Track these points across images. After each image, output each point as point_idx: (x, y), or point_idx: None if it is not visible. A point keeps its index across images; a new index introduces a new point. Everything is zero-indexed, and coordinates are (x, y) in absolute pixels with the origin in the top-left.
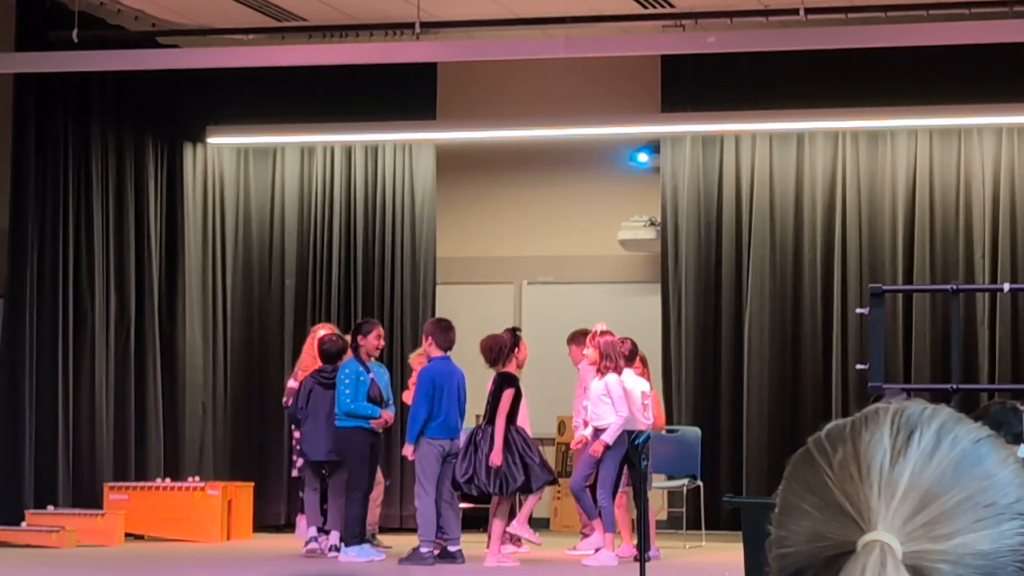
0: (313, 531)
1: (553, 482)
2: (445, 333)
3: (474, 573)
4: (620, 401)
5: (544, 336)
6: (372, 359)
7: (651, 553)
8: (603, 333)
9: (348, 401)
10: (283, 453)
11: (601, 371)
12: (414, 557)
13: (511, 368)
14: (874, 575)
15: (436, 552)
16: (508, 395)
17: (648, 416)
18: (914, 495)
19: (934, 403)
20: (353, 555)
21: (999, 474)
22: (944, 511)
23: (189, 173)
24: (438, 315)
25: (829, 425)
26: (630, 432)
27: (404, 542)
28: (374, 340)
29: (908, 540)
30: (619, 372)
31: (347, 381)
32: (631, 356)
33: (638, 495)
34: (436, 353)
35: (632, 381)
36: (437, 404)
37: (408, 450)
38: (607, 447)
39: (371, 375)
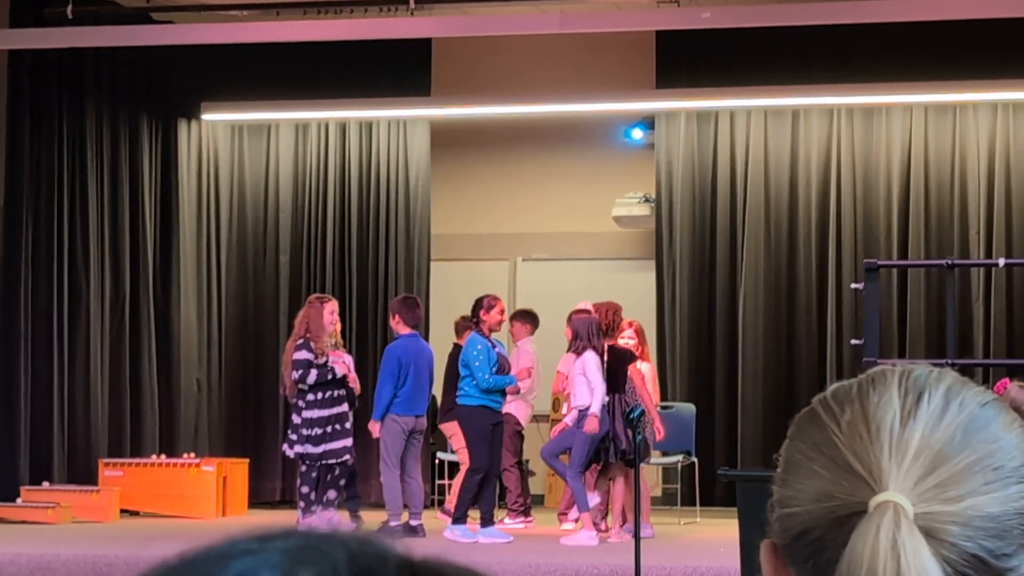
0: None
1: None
2: (412, 311)
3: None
4: (596, 378)
5: (539, 312)
6: (493, 334)
7: (644, 532)
8: (578, 311)
9: (487, 376)
10: (279, 429)
11: (577, 351)
12: (384, 531)
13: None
14: (888, 535)
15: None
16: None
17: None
18: (925, 457)
19: None
20: (458, 534)
21: (1005, 438)
22: (954, 473)
23: (183, 150)
24: (433, 292)
25: (834, 386)
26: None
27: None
28: (496, 316)
29: (919, 501)
30: (597, 350)
31: (480, 357)
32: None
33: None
34: (404, 331)
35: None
36: (402, 382)
37: (375, 427)
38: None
39: (497, 349)
